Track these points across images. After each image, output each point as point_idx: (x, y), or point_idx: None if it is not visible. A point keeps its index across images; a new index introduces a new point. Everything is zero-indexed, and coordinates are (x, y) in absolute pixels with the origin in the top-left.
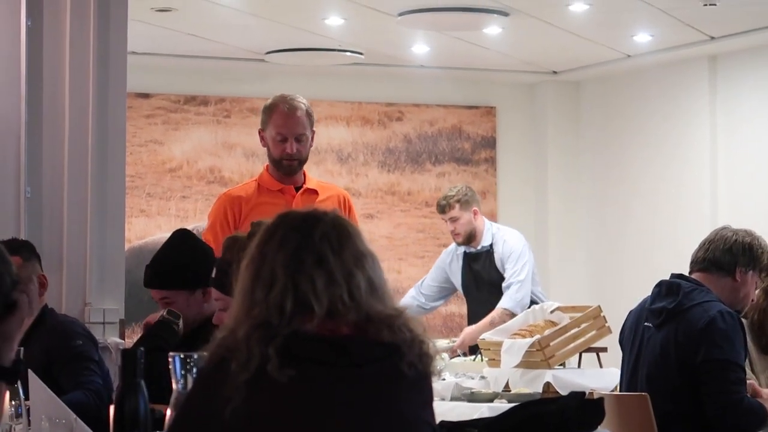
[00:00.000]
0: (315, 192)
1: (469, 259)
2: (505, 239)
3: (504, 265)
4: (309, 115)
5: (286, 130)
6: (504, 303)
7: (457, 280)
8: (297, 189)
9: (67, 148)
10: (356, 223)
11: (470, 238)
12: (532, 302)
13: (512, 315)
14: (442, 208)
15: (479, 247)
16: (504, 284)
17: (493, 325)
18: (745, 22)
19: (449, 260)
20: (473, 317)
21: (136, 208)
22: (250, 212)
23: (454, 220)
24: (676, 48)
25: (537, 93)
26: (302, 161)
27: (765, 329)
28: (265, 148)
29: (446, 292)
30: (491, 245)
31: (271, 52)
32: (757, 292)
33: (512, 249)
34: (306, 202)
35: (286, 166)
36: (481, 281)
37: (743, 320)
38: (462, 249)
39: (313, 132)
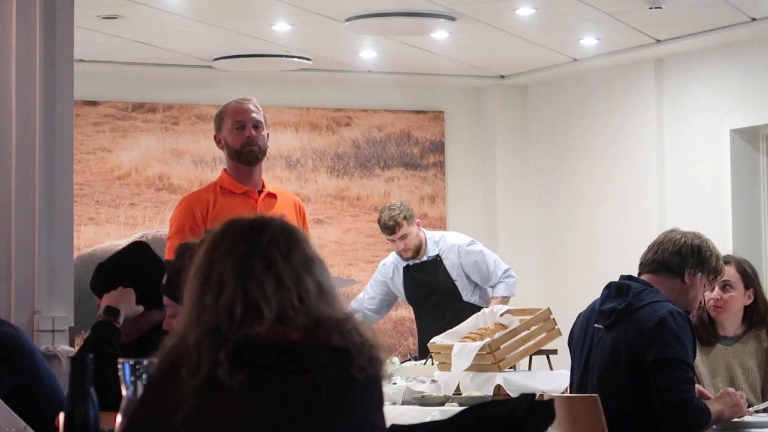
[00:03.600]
0: (274, 196)
1: (412, 270)
2: (467, 250)
3: (484, 272)
4: (261, 110)
5: (243, 116)
6: (502, 291)
7: (400, 292)
8: (258, 193)
9: (15, 156)
10: (308, 230)
11: (418, 251)
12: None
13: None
14: (392, 229)
15: (425, 258)
16: (492, 284)
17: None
18: (691, 25)
19: (390, 275)
20: (423, 325)
21: (84, 215)
22: (217, 214)
23: (403, 237)
24: (622, 51)
25: (485, 97)
26: (262, 150)
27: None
28: (224, 149)
29: (389, 302)
30: (438, 255)
31: (218, 59)
32: None
33: (484, 258)
34: (267, 206)
35: (248, 153)
36: (431, 290)
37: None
38: (404, 262)
39: (267, 133)
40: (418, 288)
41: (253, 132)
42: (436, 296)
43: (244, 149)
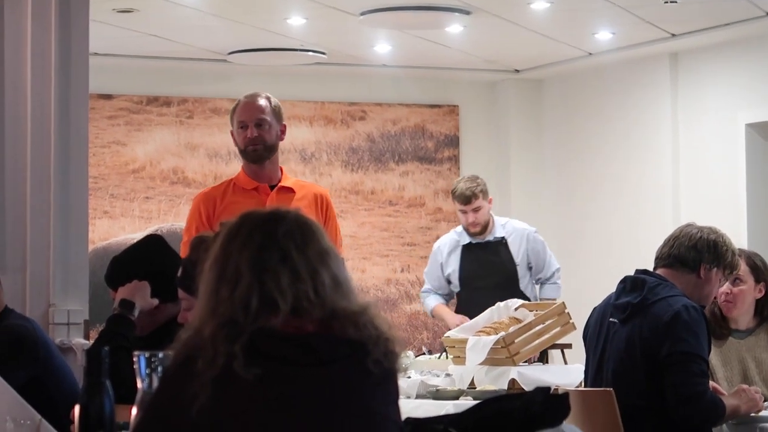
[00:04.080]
0: (291, 190)
1: (474, 249)
2: (534, 237)
3: (541, 263)
4: (271, 103)
5: (246, 116)
6: (551, 293)
7: (453, 271)
8: (272, 187)
9: (30, 149)
10: (335, 223)
11: (485, 228)
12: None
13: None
14: (468, 199)
15: (490, 238)
16: (543, 276)
17: None
18: (706, 20)
19: (446, 254)
20: (470, 306)
21: (99, 209)
22: (223, 211)
23: (477, 210)
24: (637, 45)
25: (499, 91)
26: (267, 147)
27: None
28: (236, 146)
29: (447, 296)
30: (503, 237)
31: (233, 53)
32: None
33: (545, 249)
34: (282, 200)
35: (251, 152)
36: (493, 270)
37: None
38: (468, 239)
39: (282, 125)
40: (478, 267)
41: (255, 131)
42: (494, 278)
43: (247, 149)
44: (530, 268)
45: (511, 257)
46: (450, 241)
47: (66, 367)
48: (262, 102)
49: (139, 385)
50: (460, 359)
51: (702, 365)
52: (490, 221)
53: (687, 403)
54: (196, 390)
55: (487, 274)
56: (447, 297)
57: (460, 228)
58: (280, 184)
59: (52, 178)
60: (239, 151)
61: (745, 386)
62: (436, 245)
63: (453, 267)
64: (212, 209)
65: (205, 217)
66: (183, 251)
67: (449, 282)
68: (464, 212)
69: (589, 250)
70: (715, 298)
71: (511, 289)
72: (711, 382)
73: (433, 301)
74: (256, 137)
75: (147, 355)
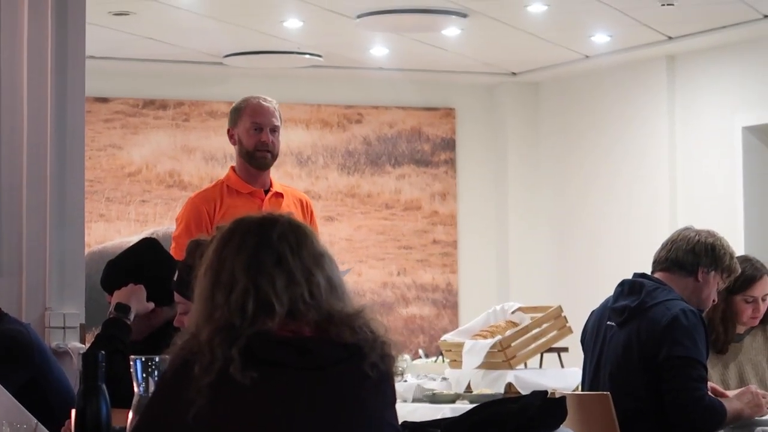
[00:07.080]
0: (281, 195)
1: None
2: None
3: None
4: (279, 112)
5: (262, 119)
6: None
7: None
8: (266, 192)
9: (26, 152)
10: (316, 226)
11: None
12: None
13: None
14: None
15: None
16: None
17: None
18: (703, 22)
19: None
20: None
21: (95, 212)
22: (223, 215)
23: None
24: (634, 48)
25: (496, 94)
26: (274, 155)
27: (715, 328)
28: (236, 146)
29: None
30: None
31: (229, 55)
32: None
33: None
34: (274, 205)
35: (260, 158)
36: None
37: None
38: None
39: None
40: None
41: (270, 137)
42: None
43: (257, 153)
44: None
45: None
46: None
47: (61, 371)
48: (274, 108)
49: (136, 389)
50: (456, 363)
51: (700, 370)
52: None
53: (685, 408)
54: (193, 395)
55: None
56: None
57: None
58: (272, 189)
59: (48, 182)
60: (244, 152)
61: (753, 388)
62: None
63: None
64: (213, 211)
65: (206, 218)
66: (177, 255)
67: None
68: None
69: (587, 253)
70: (723, 317)
71: None
72: (711, 384)
73: None
74: (270, 142)
75: (143, 359)
